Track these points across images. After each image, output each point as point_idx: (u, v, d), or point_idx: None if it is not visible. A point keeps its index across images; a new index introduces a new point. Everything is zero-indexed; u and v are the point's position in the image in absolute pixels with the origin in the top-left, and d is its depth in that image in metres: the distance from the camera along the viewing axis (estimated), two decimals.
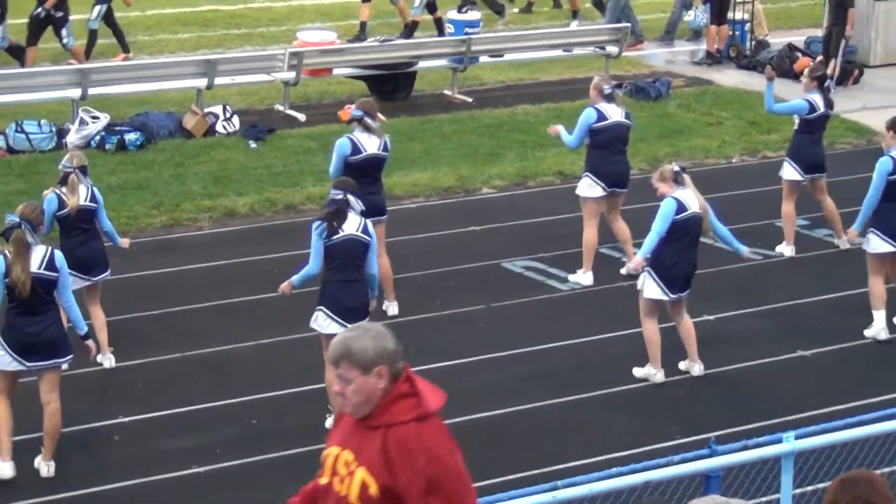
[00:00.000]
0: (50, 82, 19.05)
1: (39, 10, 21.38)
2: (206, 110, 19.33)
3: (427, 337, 12.85)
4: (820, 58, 22.05)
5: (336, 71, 21.18)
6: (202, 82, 19.59)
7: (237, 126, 19.35)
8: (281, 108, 20.50)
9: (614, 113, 14.14)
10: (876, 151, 13.10)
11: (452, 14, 22.71)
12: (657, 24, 26.30)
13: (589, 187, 14.11)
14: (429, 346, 12.57)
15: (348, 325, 10.76)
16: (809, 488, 8.75)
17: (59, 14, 21.52)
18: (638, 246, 12.50)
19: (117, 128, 18.50)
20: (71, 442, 10.78)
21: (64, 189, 11.94)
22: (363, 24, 24.58)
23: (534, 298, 13.88)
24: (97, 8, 22.21)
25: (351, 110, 13.41)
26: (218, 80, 19.71)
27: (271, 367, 12.22)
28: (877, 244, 12.81)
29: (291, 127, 19.68)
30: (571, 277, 14.26)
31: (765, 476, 8.62)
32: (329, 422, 10.97)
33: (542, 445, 10.82)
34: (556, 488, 7.35)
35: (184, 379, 12.06)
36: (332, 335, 10.78)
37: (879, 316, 12.92)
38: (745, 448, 7.99)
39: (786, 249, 15.12)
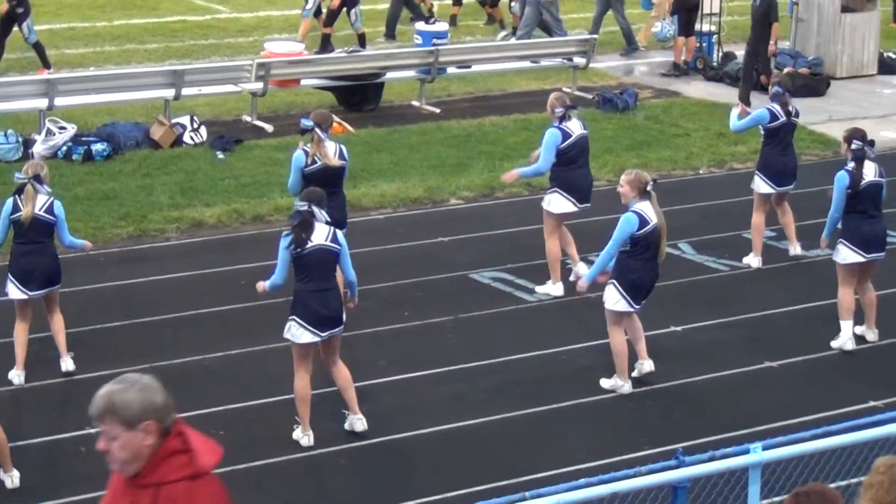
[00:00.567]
0: (16, 92, 18.96)
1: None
2: (174, 121, 19.27)
3: (395, 348, 12.84)
4: (789, 69, 22.15)
5: (304, 82, 21.18)
6: (170, 93, 19.55)
7: (205, 137, 19.31)
8: (248, 118, 20.48)
9: (575, 127, 14.20)
10: (842, 163, 13.14)
11: (420, 25, 22.76)
12: (616, 38, 26.33)
13: (561, 204, 14.10)
14: (397, 357, 12.57)
15: (322, 335, 10.79)
16: (777, 499, 8.74)
17: (20, 10, 21.94)
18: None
19: (84, 138, 18.44)
20: (36, 453, 10.72)
21: (21, 197, 11.85)
22: (326, 37, 24.58)
23: (502, 309, 13.87)
24: (24, 24, 22.17)
25: (302, 121, 13.19)
26: (185, 91, 19.67)
27: (239, 378, 12.17)
28: (846, 255, 12.85)
29: (259, 138, 19.65)
30: (539, 289, 14.25)
31: (732, 487, 8.62)
32: (297, 433, 10.96)
33: (510, 456, 10.81)
34: (524, 499, 7.34)
35: None
36: (306, 344, 10.80)
37: (846, 326, 12.96)
38: (713, 459, 7.99)
39: (753, 261, 15.16)
